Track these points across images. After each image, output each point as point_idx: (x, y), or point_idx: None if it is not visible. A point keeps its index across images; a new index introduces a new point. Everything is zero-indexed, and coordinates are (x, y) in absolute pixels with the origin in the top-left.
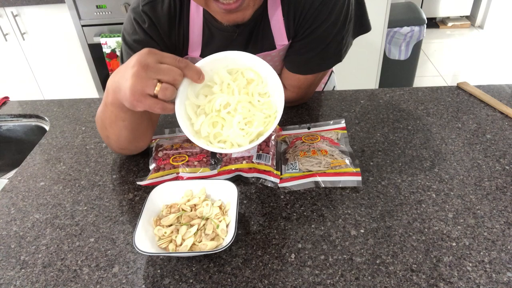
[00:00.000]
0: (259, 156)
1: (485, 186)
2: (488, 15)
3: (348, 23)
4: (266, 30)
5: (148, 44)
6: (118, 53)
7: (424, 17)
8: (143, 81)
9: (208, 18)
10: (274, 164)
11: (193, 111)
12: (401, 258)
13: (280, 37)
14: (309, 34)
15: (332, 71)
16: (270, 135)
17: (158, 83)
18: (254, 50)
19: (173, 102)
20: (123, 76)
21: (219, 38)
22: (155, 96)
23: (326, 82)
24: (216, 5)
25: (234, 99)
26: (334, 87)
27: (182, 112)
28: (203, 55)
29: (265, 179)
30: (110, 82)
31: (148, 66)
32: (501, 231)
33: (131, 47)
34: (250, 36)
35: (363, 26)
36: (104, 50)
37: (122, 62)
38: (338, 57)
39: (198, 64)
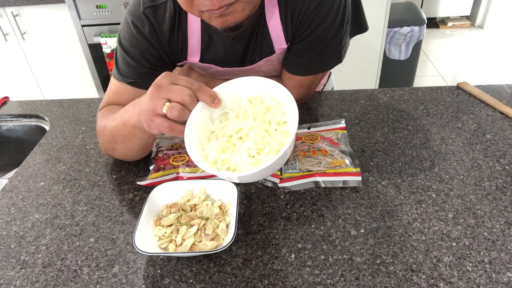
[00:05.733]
0: None
1: (485, 186)
2: (488, 15)
3: (346, 24)
4: (264, 35)
5: (146, 49)
6: None
7: (424, 17)
8: (154, 100)
9: (207, 23)
10: None
11: (206, 137)
12: (401, 258)
13: (279, 41)
14: (307, 37)
15: (330, 73)
16: None
17: (167, 103)
18: (254, 56)
19: (184, 124)
20: (143, 100)
21: (218, 43)
22: (166, 117)
23: (325, 84)
24: (206, 12)
25: (248, 124)
26: (332, 88)
27: (193, 136)
28: (203, 60)
29: (265, 179)
30: (136, 105)
31: (161, 86)
32: (501, 231)
33: (128, 52)
34: (249, 42)
35: (360, 26)
36: (104, 50)
37: (117, 66)
38: (338, 58)
39: (216, 89)
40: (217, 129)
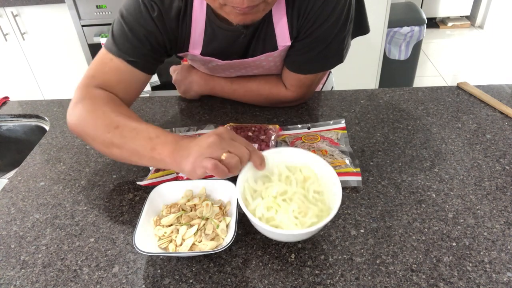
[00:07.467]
0: None
1: (485, 186)
2: (488, 15)
3: (349, 23)
4: (269, 31)
5: (152, 31)
6: None
7: (424, 17)
8: (215, 149)
9: (211, 18)
10: None
11: (249, 194)
12: (401, 258)
13: (283, 38)
14: (311, 34)
15: (330, 72)
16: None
17: (225, 153)
18: (256, 51)
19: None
20: (199, 145)
21: (221, 38)
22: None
23: (324, 83)
24: (229, 7)
25: (292, 189)
26: (332, 87)
27: (241, 190)
28: (204, 53)
29: None
30: (181, 148)
31: (223, 138)
32: (501, 231)
33: (132, 28)
34: (253, 37)
35: (362, 27)
36: None
37: (115, 40)
38: (339, 57)
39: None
40: (259, 189)
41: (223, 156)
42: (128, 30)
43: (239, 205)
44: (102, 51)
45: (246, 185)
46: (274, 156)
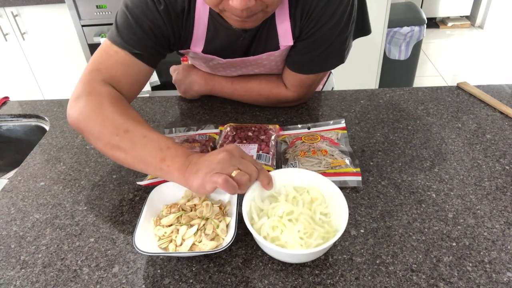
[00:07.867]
0: (259, 156)
1: (485, 186)
2: (488, 15)
3: (351, 24)
4: (271, 31)
5: (158, 25)
6: None
7: (424, 17)
8: (225, 165)
9: (214, 15)
10: (274, 164)
11: (256, 213)
12: (401, 258)
13: (285, 38)
14: (313, 34)
15: (331, 72)
16: (274, 138)
17: (235, 170)
18: (258, 50)
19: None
20: (209, 160)
21: (224, 36)
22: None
23: (325, 83)
24: (229, 13)
25: (298, 209)
26: (332, 88)
27: (247, 209)
28: (205, 51)
29: None
30: (191, 163)
31: (233, 155)
32: (501, 231)
33: (138, 20)
34: (255, 36)
35: (363, 28)
36: None
37: (119, 32)
38: (340, 58)
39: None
40: (266, 208)
41: (234, 173)
42: (133, 22)
43: (239, 204)
44: (106, 43)
45: (252, 203)
46: (282, 176)
